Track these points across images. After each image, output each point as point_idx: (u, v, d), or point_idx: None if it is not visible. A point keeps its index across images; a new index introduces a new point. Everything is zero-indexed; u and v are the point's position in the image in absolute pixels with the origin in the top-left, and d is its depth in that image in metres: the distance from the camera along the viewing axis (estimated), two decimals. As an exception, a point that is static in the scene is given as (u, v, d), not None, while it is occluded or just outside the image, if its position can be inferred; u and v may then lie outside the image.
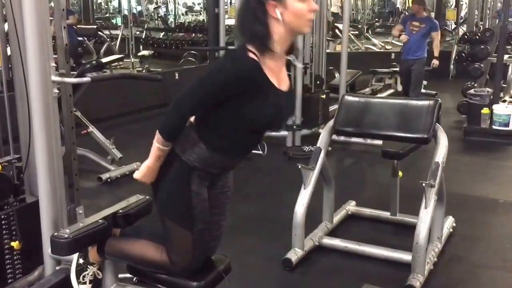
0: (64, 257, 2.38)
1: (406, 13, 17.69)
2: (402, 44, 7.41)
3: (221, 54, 6.43)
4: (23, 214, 2.66)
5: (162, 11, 15.67)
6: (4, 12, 2.81)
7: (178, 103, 1.91)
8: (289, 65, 2.12)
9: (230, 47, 2.03)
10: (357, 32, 14.20)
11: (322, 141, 3.47)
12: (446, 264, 3.36)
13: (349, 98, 3.60)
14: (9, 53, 2.84)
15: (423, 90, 8.66)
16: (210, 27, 6.81)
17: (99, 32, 10.65)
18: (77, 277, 2.24)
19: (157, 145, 1.95)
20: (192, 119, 2.00)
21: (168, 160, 1.98)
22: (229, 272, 2.19)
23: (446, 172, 3.35)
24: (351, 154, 5.94)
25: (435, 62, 7.22)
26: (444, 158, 3.18)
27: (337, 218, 3.86)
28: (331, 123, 3.54)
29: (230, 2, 12.49)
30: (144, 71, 8.98)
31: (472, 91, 6.78)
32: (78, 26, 10.85)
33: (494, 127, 6.33)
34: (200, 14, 14.59)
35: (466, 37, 8.80)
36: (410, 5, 20.41)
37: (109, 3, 17.49)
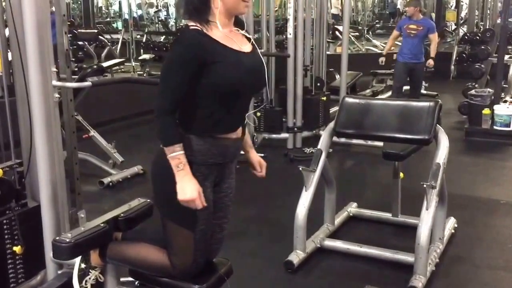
0: (66, 261, 2.39)
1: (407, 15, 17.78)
2: (400, 45, 7.33)
3: None
4: (25, 218, 2.66)
5: (162, 15, 15.68)
6: (5, 17, 2.82)
7: (157, 106, 1.95)
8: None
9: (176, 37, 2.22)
10: (357, 34, 14.20)
11: (323, 143, 3.48)
12: (448, 265, 3.36)
13: (350, 100, 3.61)
14: (10, 58, 2.85)
15: (424, 91, 8.67)
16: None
17: (100, 36, 10.66)
18: (79, 281, 2.24)
19: (169, 155, 1.95)
20: None
21: (165, 158, 1.98)
22: (230, 275, 2.20)
23: (448, 173, 3.35)
24: (352, 156, 5.94)
25: (430, 62, 7.20)
26: (445, 159, 3.18)
27: (338, 219, 3.86)
28: (331, 125, 3.54)
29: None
30: (145, 75, 9.00)
31: (473, 91, 6.79)
32: (79, 30, 10.90)
33: (495, 127, 6.33)
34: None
35: (466, 37, 8.83)
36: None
37: (109, 8, 17.52)
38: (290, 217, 3.33)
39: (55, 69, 2.69)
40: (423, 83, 8.94)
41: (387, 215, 3.94)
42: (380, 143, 4.29)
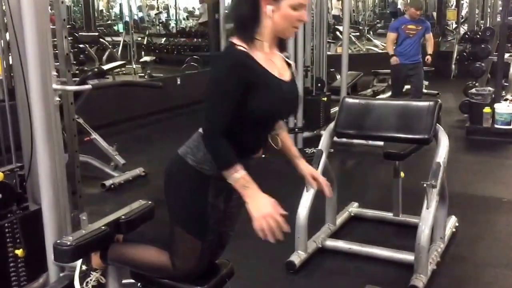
0: (67, 264, 2.40)
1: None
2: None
3: None
4: (27, 222, 2.68)
5: (163, 17, 15.70)
6: (5, 21, 2.83)
7: (207, 130, 1.90)
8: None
9: (216, 54, 2.10)
10: (358, 34, 14.20)
11: (323, 144, 3.49)
12: (450, 264, 3.36)
13: (350, 100, 3.62)
14: (10, 61, 2.86)
15: (424, 90, 8.67)
16: (211, 32, 6.84)
17: (101, 39, 10.68)
18: (80, 283, 2.25)
19: (231, 178, 1.88)
20: (200, 128, 1.98)
21: (184, 171, 1.97)
22: (232, 276, 2.20)
23: (449, 172, 3.36)
24: (353, 156, 5.95)
25: (429, 59, 7.14)
26: (445, 158, 3.19)
27: (340, 220, 3.86)
28: (332, 125, 3.55)
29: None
30: (146, 77, 9.02)
31: (473, 90, 6.78)
32: (80, 33, 10.92)
33: (496, 126, 6.34)
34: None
35: (467, 36, 8.80)
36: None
37: (110, 10, 17.55)
38: (291, 218, 3.33)
39: (55, 73, 2.71)
40: (424, 81, 8.97)
41: (388, 215, 3.94)
42: (381, 143, 4.29)
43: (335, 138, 3.75)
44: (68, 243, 2.07)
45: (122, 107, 7.22)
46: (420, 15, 7.06)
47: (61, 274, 2.54)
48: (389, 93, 8.98)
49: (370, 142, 5.72)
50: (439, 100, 3.38)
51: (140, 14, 15.64)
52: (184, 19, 15.67)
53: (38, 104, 2.37)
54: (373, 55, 12.55)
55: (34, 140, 2.44)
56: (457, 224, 3.81)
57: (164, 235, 2.30)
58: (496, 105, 6.37)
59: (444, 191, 3.37)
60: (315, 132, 6.20)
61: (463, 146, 6.20)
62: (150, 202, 2.44)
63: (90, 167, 4.98)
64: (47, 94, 2.40)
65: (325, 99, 6.40)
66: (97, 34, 11.36)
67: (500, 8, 9.87)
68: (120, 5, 14.45)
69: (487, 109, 6.37)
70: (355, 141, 5.88)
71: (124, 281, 2.36)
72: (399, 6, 19.71)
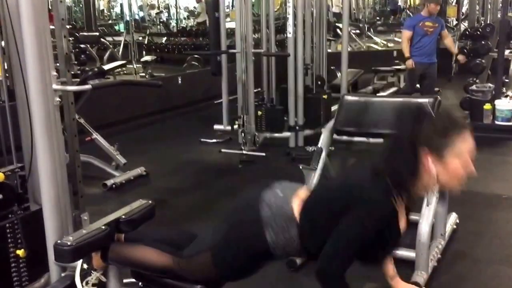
0: (69, 264, 2.41)
1: (409, 13, 17.72)
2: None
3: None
4: (28, 222, 2.69)
5: (164, 16, 15.71)
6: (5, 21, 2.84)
7: (331, 270, 1.82)
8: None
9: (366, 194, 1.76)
10: (358, 31, 14.20)
11: (323, 142, 3.50)
12: (450, 260, 3.37)
13: (349, 97, 3.62)
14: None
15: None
16: (211, 31, 6.84)
17: (102, 39, 10.70)
18: (82, 281, 2.27)
19: None
20: (296, 214, 1.91)
21: (257, 235, 1.93)
22: (232, 274, 2.21)
23: (448, 169, 3.35)
24: (354, 153, 5.93)
25: (461, 57, 7.02)
26: (445, 155, 3.19)
27: (340, 217, 3.86)
28: (331, 123, 3.56)
29: (232, 6, 12.51)
30: (147, 77, 9.03)
31: (474, 87, 6.78)
32: (81, 33, 10.94)
33: (496, 122, 6.33)
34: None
35: (467, 33, 8.79)
36: (412, 3, 20.47)
37: (111, 10, 17.56)
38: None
39: (55, 73, 2.72)
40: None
41: (388, 212, 3.94)
42: (381, 140, 4.29)
43: (336, 136, 3.75)
44: (69, 243, 2.07)
45: (123, 106, 7.24)
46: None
47: (62, 274, 2.55)
48: (390, 91, 9.00)
49: (371, 140, 5.71)
50: (438, 96, 3.39)
51: (141, 14, 15.66)
52: (184, 18, 15.68)
53: (38, 104, 2.38)
54: (373, 52, 12.56)
55: (34, 141, 2.45)
56: (457, 221, 3.81)
57: (164, 235, 2.31)
58: (496, 102, 6.36)
59: (444, 188, 3.37)
60: (315, 130, 6.20)
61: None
62: (150, 202, 2.44)
63: (91, 167, 4.99)
64: (46, 95, 2.41)
65: (325, 97, 6.40)
66: (98, 34, 11.39)
67: (501, 5, 9.88)
68: (121, 4, 14.45)
69: (487, 106, 6.37)
70: (356, 138, 5.87)
71: (125, 280, 2.37)
72: (399, 4, 19.71)
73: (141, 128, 7.29)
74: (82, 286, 2.27)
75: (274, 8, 7.33)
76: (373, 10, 19.54)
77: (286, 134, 6.09)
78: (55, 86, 2.57)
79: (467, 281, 3.18)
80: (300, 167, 3.39)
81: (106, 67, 7.50)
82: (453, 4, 13.57)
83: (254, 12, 8.76)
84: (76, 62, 6.29)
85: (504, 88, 7.28)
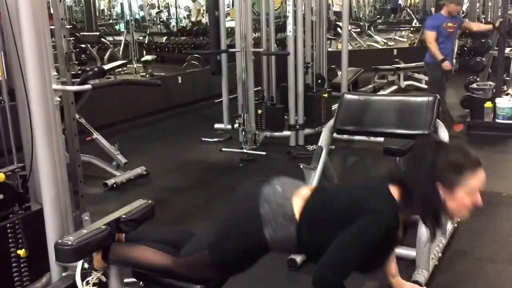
0: (69, 264, 2.41)
1: (410, 11, 17.70)
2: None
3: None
4: (29, 222, 2.69)
5: (164, 16, 15.70)
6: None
7: (327, 278, 1.79)
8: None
9: (377, 208, 1.82)
10: (358, 30, 14.19)
11: (323, 140, 3.49)
12: (451, 259, 3.37)
13: (349, 96, 3.62)
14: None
15: (425, 86, 8.68)
16: (211, 30, 6.84)
17: (102, 39, 10.71)
18: (82, 281, 2.27)
19: None
20: (297, 213, 1.92)
21: (255, 230, 1.94)
22: (232, 274, 2.21)
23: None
24: (354, 152, 5.95)
25: (497, 21, 6.79)
26: (445, 154, 3.19)
27: (341, 216, 3.86)
28: (331, 122, 3.55)
29: (232, 5, 12.51)
30: (147, 76, 9.04)
31: (474, 85, 6.77)
32: (81, 33, 10.95)
33: (497, 120, 6.33)
34: (203, 16, 14.61)
35: (467, 31, 8.76)
36: (412, 1, 20.44)
37: (112, 10, 17.56)
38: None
39: (55, 73, 2.72)
40: (424, 76, 8.97)
41: (389, 211, 3.94)
42: (382, 139, 4.29)
43: (337, 135, 3.75)
44: (69, 242, 2.08)
45: (123, 106, 7.25)
46: None
47: (63, 274, 2.55)
48: (390, 89, 8.99)
49: (372, 139, 5.72)
50: (438, 95, 3.38)
51: (141, 13, 15.65)
52: (184, 18, 15.67)
53: (38, 104, 2.38)
54: (373, 51, 12.55)
55: (35, 141, 2.45)
56: (458, 219, 3.81)
57: (164, 234, 2.32)
58: (497, 100, 6.36)
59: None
60: (316, 129, 6.20)
61: (464, 141, 6.17)
62: (150, 201, 2.44)
63: (92, 166, 4.99)
64: (46, 94, 2.41)
65: (326, 95, 6.40)
66: (98, 34, 11.39)
67: (501, 3, 9.86)
68: (121, 4, 14.45)
69: (488, 104, 6.36)
70: (356, 137, 5.89)
71: (125, 280, 2.37)
72: (399, 2, 19.69)
73: (142, 128, 7.30)
74: (83, 285, 2.27)
75: (274, 6, 7.32)
76: (373, 8, 19.53)
77: (286, 133, 6.10)
78: (55, 86, 2.58)
79: (468, 280, 3.18)
80: (301, 166, 3.39)
81: (107, 66, 7.54)
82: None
83: (254, 10, 8.75)
84: (76, 62, 6.28)
85: (505, 86, 7.26)
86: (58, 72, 2.89)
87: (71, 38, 3.15)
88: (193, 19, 14.20)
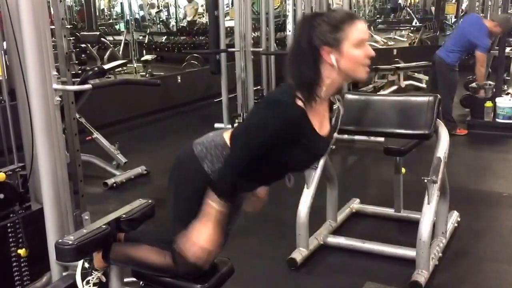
0: (70, 263, 2.41)
1: (410, 11, 17.70)
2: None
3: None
4: (29, 221, 2.69)
5: (163, 15, 15.70)
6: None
7: (230, 160, 1.85)
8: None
9: (272, 97, 1.94)
10: (358, 29, 14.16)
11: (323, 140, 3.49)
12: (452, 259, 3.36)
13: (349, 96, 3.61)
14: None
15: (425, 85, 8.69)
16: (210, 29, 6.84)
17: (102, 38, 10.71)
18: (82, 280, 2.27)
19: (215, 205, 1.86)
20: (228, 141, 1.95)
21: (197, 172, 1.96)
22: (232, 274, 2.21)
23: (450, 167, 3.36)
24: (354, 152, 5.95)
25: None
26: (445, 153, 3.19)
27: (341, 216, 3.87)
28: (331, 121, 3.54)
29: (232, 4, 12.51)
30: (147, 76, 9.04)
31: (474, 84, 6.76)
32: (82, 33, 10.95)
33: (497, 120, 6.32)
34: (202, 16, 14.62)
35: (467, 30, 8.75)
36: (412, 1, 20.45)
37: (112, 10, 17.56)
38: (292, 215, 3.34)
39: (55, 73, 2.72)
40: (424, 76, 8.97)
41: (389, 211, 3.95)
42: (382, 139, 4.30)
43: (337, 135, 3.74)
44: (70, 242, 2.07)
45: (123, 106, 7.25)
46: None
47: (63, 274, 2.56)
48: (390, 89, 8.99)
49: (372, 138, 5.73)
50: (438, 95, 3.38)
51: (141, 13, 15.66)
52: (184, 17, 15.67)
53: (38, 104, 2.38)
54: (373, 50, 12.51)
55: (35, 140, 2.45)
56: (459, 219, 3.81)
57: (165, 234, 2.31)
58: (497, 99, 6.35)
59: (445, 186, 3.38)
60: (316, 128, 6.19)
61: (464, 140, 6.19)
62: (150, 201, 2.44)
63: (92, 166, 5.00)
64: (46, 94, 2.42)
65: (326, 95, 6.37)
66: (98, 33, 11.39)
67: (501, 1, 9.86)
68: (121, 4, 14.46)
69: (488, 103, 6.36)
70: (356, 137, 5.89)
71: (126, 279, 2.37)
72: (399, 1, 19.69)
73: (142, 127, 7.30)
74: (83, 285, 2.28)
75: (274, 6, 7.31)
76: (373, 8, 19.53)
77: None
78: (55, 86, 2.58)
79: (469, 280, 3.17)
80: (301, 166, 3.38)
81: (107, 66, 7.50)
82: (453, 1, 13.54)
83: (253, 10, 8.75)
84: (76, 62, 6.28)
85: (505, 86, 7.26)
86: (58, 72, 2.90)
87: (71, 38, 3.16)
88: (188, 18, 14.19)
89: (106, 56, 10.30)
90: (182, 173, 2.04)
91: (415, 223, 3.29)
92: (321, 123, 1.89)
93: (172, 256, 2.08)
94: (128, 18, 12.03)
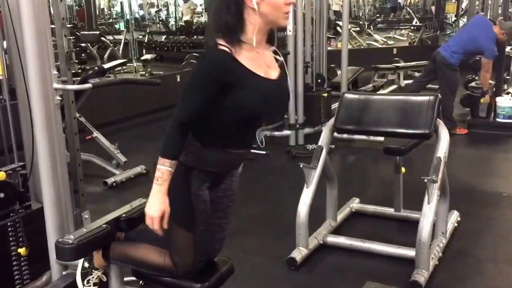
0: (70, 263, 2.41)
1: (410, 10, 17.69)
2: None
3: None
4: (29, 220, 2.69)
5: (163, 15, 15.70)
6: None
7: (174, 115, 1.91)
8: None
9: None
10: (358, 29, 14.19)
11: (323, 140, 3.49)
12: (451, 259, 3.36)
13: (349, 95, 3.61)
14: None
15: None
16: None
17: (102, 38, 10.71)
18: (82, 280, 2.27)
19: (158, 165, 1.95)
20: None
21: (176, 168, 1.98)
22: (232, 273, 2.22)
23: (450, 166, 3.36)
24: (354, 152, 5.95)
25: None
26: (445, 153, 3.19)
27: (341, 216, 3.87)
28: (331, 121, 3.55)
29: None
30: (147, 75, 9.03)
31: (473, 84, 6.76)
32: (82, 32, 10.94)
33: (497, 119, 6.32)
34: (202, 15, 14.62)
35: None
36: (412, 0, 20.45)
37: (111, 9, 17.56)
38: (292, 214, 3.34)
39: (56, 72, 2.72)
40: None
41: (389, 210, 3.95)
42: (382, 139, 4.29)
43: (337, 134, 3.75)
44: (70, 241, 2.08)
45: (123, 105, 7.24)
46: None
47: (63, 273, 2.56)
48: (390, 88, 9.00)
49: (372, 138, 5.72)
50: (439, 94, 3.38)
51: (141, 12, 15.65)
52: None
53: (39, 103, 2.38)
54: (373, 50, 12.54)
55: (35, 139, 2.45)
56: (459, 219, 3.81)
57: (164, 234, 2.31)
58: (497, 99, 6.36)
59: (445, 186, 3.38)
60: (316, 128, 6.19)
61: (464, 140, 6.19)
62: (150, 200, 2.44)
63: (92, 165, 5.00)
64: (47, 93, 2.41)
65: (325, 94, 6.39)
66: (98, 33, 11.39)
67: (501, 1, 9.88)
68: (121, 3, 14.45)
69: (483, 100, 6.34)
70: (356, 137, 5.89)
71: (126, 278, 2.38)
72: (399, 1, 19.69)
73: (141, 127, 7.30)
74: (83, 284, 2.28)
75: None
76: (373, 7, 19.53)
77: (286, 132, 6.09)
78: (55, 85, 2.59)
79: (469, 280, 3.17)
80: (301, 166, 3.39)
81: (107, 65, 7.49)
82: (453, 0, 13.52)
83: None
84: (76, 61, 6.28)
85: (505, 85, 7.27)
86: (58, 71, 2.91)
87: (71, 37, 3.16)
88: (185, 18, 14.17)
89: (106, 56, 10.30)
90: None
91: (415, 223, 3.29)
92: (264, 68, 1.95)
93: (170, 255, 2.09)
94: (128, 17, 12.01)
